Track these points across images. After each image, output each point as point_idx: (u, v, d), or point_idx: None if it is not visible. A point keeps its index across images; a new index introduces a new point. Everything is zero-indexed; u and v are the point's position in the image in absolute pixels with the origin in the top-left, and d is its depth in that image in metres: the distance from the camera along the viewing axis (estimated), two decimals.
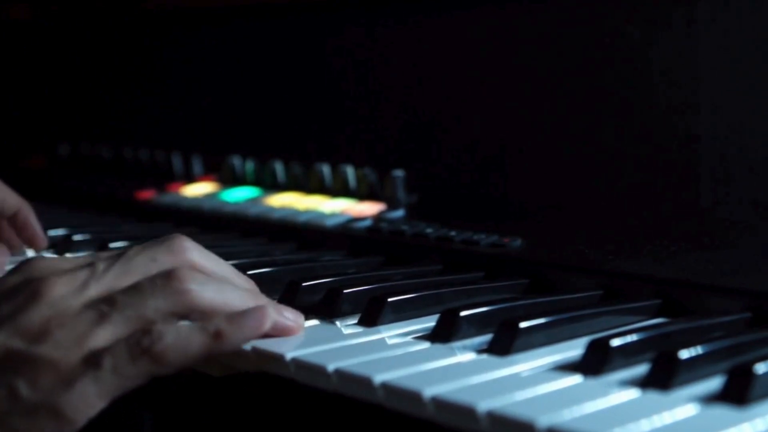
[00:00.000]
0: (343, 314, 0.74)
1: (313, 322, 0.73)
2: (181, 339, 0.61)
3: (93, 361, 0.60)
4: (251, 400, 0.75)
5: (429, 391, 0.57)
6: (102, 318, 0.61)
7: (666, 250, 0.80)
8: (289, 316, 0.68)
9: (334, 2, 1.15)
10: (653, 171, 0.88)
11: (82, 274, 0.64)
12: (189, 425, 0.85)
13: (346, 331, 0.71)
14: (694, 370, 0.58)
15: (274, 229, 1.04)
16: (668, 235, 0.83)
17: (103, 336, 0.61)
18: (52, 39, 1.55)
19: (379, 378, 0.60)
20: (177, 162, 1.30)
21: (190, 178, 1.27)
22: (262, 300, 0.68)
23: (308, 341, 0.67)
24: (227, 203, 1.13)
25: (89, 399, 0.60)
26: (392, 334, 0.70)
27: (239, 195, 1.15)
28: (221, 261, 0.69)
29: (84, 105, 1.51)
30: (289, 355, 0.64)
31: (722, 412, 0.54)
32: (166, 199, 1.19)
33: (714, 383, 0.57)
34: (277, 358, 0.65)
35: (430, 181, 1.04)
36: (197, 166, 1.28)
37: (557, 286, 0.80)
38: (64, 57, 1.54)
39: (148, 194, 1.22)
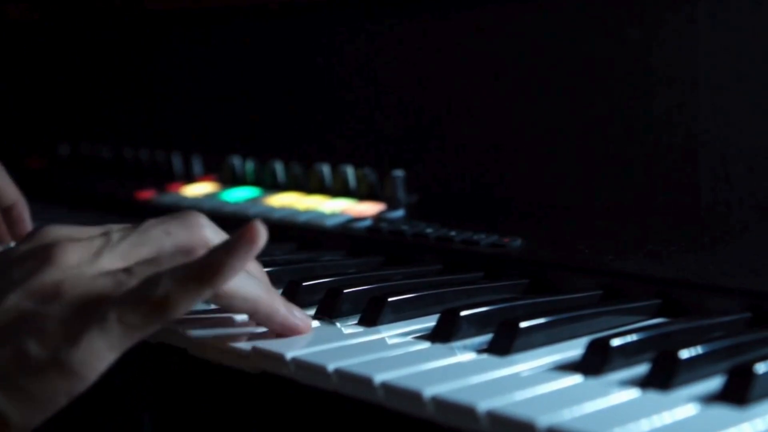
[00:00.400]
0: (343, 314, 0.74)
1: (313, 322, 0.73)
2: (177, 278, 0.60)
3: (98, 314, 0.60)
4: (251, 400, 0.75)
5: (429, 391, 0.57)
6: (119, 285, 0.61)
7: (666, 250, 0.80)
8: (297, 314, 0.69)
9: (334, 2, 1.15)
10: (653, 171, 0.88)
11: (97, 242, 0.64)
12: (189, 425, 0.85)
13: (346, 331, 0.71)
14: (694, 370, 0.58)
15: (274, 229, 1.03)
16: (668, 235, 0.83)
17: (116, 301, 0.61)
18: (52, 39, 1.55)
19: (379, 378, 0.60)
20: (177, 162, 1.30)
21: (190, 178, 1.27)
22: (274, 294, 0.68)
23: (308, 341, 0.67)
24: (227, 203, 1.13)
25: (98, 352, 0.59)
26: (392, 334, 0.70)
27: (239, 195, 1.15)
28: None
29: (84, 105, 1.51)
30: (289, 355, 0.64)
31: (722, 412, 0.54)
32: (166, 199, 1.19)
33: (714, 383, 0.57)
34: (277, 358, 0.65)
35: (430, 181, 1.04)
36: (197, 166, 1.28)
37: (557, 286, 0.80)
38: (64, 57, 1.54)
39: (148, 194, 1.22)
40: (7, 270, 0.63)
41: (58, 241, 0.63)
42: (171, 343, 0.73)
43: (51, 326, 0.60)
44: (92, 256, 0.63)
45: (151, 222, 0.66)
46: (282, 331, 0.69)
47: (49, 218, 1.16)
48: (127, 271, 0.62)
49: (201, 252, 0.64)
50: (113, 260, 0.63)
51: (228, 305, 0.66)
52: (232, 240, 0.61)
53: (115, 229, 0.66)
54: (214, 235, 0.67)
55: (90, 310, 0.60)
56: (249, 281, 0.66)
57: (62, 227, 0.66)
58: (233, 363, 0.68)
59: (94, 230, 0.66)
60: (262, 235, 0.61)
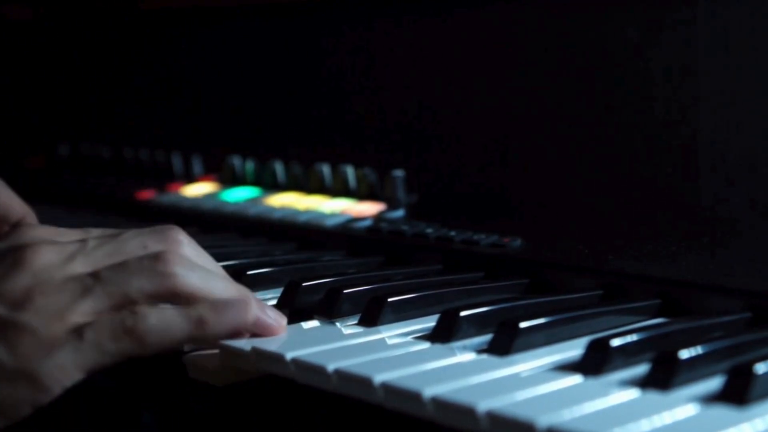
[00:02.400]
0: (343, 314, 0.74)
1: (313, 322, 0.73)
2: (163, 322, 0.62)
3: (75, 332, 0.60)
4: (251, 400, 0.75)
5: (429, 391, 0.57)
6: (85, 291, 0.62)
7: (666, 250, 0.80)
8: (271, 314, 0.68)
9: (334, 2, 1.15)
10: (653, 171, 0.87)
11: (71, 247, 0.64)
12: (189, 425, 0.85)
13: (346, 331, 0.71)
14: (694, 370, 0.58)
15: (274, 229, 1.04)
16: (668, 235, 0.83)
17: (85, 309, 0.61)
18: (52, 39, 1.55)
19: (379, 378, 0.60)
20: (177, 162, 1.30)
21: (190, 178, 1.27)
22: (246, 293, 0.68)
23: (308, 341, 0.67)
24: (227, 203, 1.13)
25: (67, 369, 0.60)
26: (392, 334, 0.70)
27: (239, 195, 1.15)
28: (212, 260, 0.69)
29: (84, 105, 1.51)
30: (289, 355, 0.64)
31: (722, 412, 0.54)
32: (166, 199, 1.19)
33: (714, 383, 0.57)
34: (278, 358, 0.65)
35: (430, 181, 1.04)
36: (197, 166, 1.28)
37: (557, 286, 0.80)
38: (64, 57, 1.54)
39: (148, 194, 1.22)
40: None
41: (32, 243, 0.63)
42: None
43: (23, 335, 0.60)
44: (64, 260, 0.63)
45: (129, 233, 0.66)
46: (255, 330, 0.68)
47: (49, 218, 1.16)
48: (94, 275, 0.62)
49: (172, 258, 0.64)
50: (85, 267, 0.63)
51: None
52: (225, 306, 0.64)
53: (94, 234, 0.66)
54: (190, 252, 0.67)
55: (65, 324, 0.60)
56: (218, 283, 0.66)
57: (41, 228, 0.67)
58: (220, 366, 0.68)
59: (73, 234, 0.66)
60: (252, 315, 0.65)
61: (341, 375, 0.62)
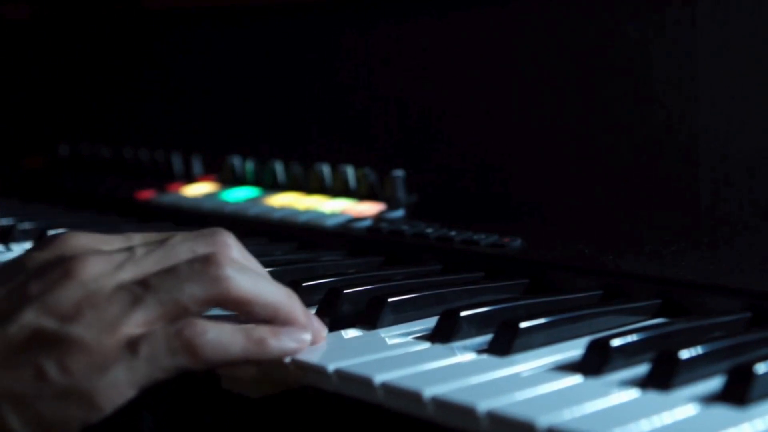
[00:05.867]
0: (343, 314, 0.74)
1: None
2: (222, 337, 0.60)
3: (129, 347, 0.58)
4: (250, 400, 0.75)
5: (429, 391, 0.57)
6: (135, 300, 0.59)
7: (666, 250, 0.80)
8: (315, 324, 0.67)
9: (334, 2, 1.15)
10: (653, 171, 0.88)
11: (120, 256, 0.61)
12: (189, 426, 0.85)
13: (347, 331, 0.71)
14: (694, 370, 0.58)
15: (274, 229, 1.04)
16: (668, 235, 0.83)
17: (137, 319, 0.59)
18: (51, 39, 1.55)
19: (379, 378, 0.60)
20: (177, 162, 1.30)
21: (190, 178, 1.27)
22: (295, 300, 0.66)
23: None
24: (227, 203, 1.13)
25: (121, 387, 0.58)
26: (392, 334, 0.70)
27: (239, 195, 1.15)
28: (258, 263, 0.67)
29: (84, 105, 1.51)
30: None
31: (722, 412, 0.54)
32: (166, 199, 1.19)
33: (714, 383, 0.57)
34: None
35: (430, 181, 1.04)
36: (197, 166, 1.28)
37: (557, 286, 0.80)
38: (64, 57, 1.54)
39: (148, 194, 1.22)
40: (24, 281, 0.60)
41: (79, 253, 0.61)
42: None
43: (74, 351, 0.58)
44: (113, 269, 0.61)
45: (177, 238, 0.64)
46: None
47: (49, 218, 1.17)
48: (144, 283, 0.60)
49: (222, 260, 0.62)
50: (135, 275, 0.61)
51: (247, 312, 0.64)
52: (286, 334, 0.63)
53: (138, 240, 0.64)
54: (240, 255, 0.65)
55: (117, 338, 0.58)
56: (269, 287, 0.64)
57: (83, 235, 0.64)
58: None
59: (116, 240, 0.64)
60: (305, 347, 0.64)
61: (341, 375, 0.62)
